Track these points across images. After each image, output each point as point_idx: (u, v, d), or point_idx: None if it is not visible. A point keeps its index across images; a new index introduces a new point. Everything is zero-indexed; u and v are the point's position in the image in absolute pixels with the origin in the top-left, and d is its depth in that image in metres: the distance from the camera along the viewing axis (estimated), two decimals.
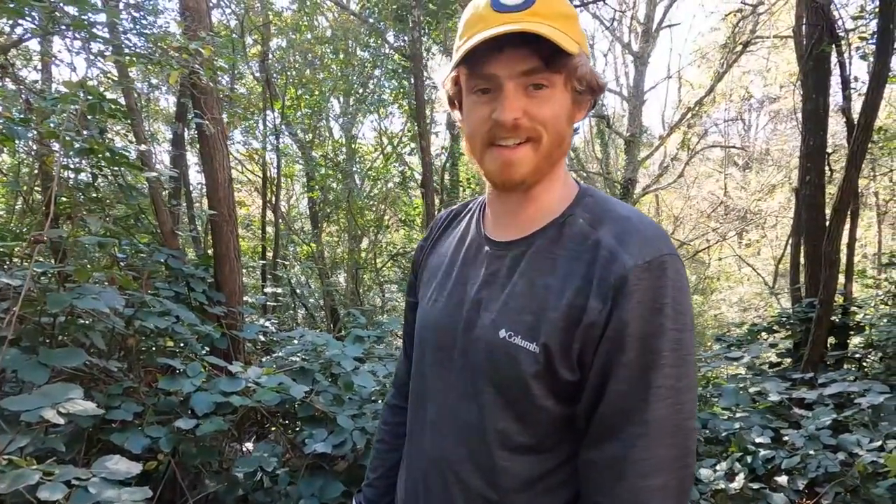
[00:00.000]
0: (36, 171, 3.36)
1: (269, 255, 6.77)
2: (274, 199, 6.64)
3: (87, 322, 1.59)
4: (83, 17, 2.19)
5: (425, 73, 5.12)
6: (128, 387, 1.62)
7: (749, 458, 2.22)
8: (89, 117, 2.12)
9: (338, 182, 7.85)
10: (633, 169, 12.40)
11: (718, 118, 14.86)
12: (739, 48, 10.84)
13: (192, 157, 6.06)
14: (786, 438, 2.33)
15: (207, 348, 2.62)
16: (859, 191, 3.96)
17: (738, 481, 2.11)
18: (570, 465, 0.64)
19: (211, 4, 2.73)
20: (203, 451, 1.73)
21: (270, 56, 7.47)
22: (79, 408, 1.03)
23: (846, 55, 3.64)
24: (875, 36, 2.75)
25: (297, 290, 7.92)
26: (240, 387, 1.63)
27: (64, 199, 2.51)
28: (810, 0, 3.67)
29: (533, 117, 0.61)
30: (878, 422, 2.26)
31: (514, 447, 0.63)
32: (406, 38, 6.91)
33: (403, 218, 8.41)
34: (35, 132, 2.14)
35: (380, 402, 2.02)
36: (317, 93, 7.99)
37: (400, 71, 7.71)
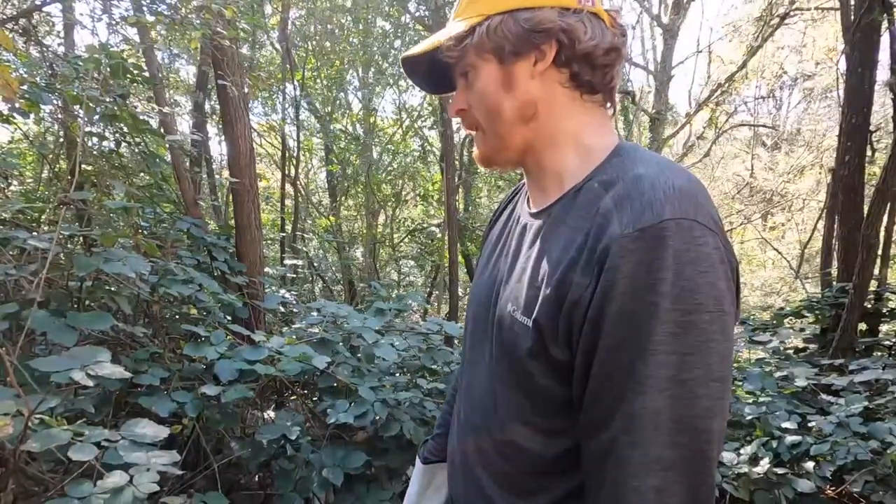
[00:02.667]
0: (61, 139, 3.38)
1: (288, 227, 6.80)
2: (294, 171, 6.63)
3: (112, 288, 1.59)
4: None
5: None
6: (153, 352, 1.64)
7: (774, 443, 2.17)
8: (112, 82, 2.10)
9: (356, 156, 7.80)
10: (658, 147, 12.09)
11: (748, 96, 14.32)
12: (776, 21, 10.34)
13: (212, 130, 6.06)
14: (812, 425, 2.27)
15: (229, 318, 2.65)
16: None
17: (763, 466, 2.07)
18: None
19: None
20: (227, 417, 1.75)
21: (290, 26, 7.35)
22: (107, 371, 1.03)
23: None
24: None
25: (315, 264, 7.98)
26: (262, 356, 1.63)
27: (88, 166, 2.52)
28: None
29: (472, 106, 0.65)
30: None
31: (525, 424, 0.62)
32: (427, 7, 6.71)
33: (422, 193, 8.35)
34: (59, 98, 2.13)
35: (398, 374, 2.02)
36: (337, 63, 7.88)
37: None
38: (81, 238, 1.77)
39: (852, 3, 3.94)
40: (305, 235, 7.54)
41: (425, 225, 8.38)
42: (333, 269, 8.54)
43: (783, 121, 16.00)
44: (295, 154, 7.13)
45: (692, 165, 13.41)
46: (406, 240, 8.56)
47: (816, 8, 8.67)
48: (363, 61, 8.08)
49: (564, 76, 0.61)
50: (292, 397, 2.60)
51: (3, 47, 2.21)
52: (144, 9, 2.16)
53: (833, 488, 2.13)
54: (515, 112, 0.61)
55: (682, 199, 0.51)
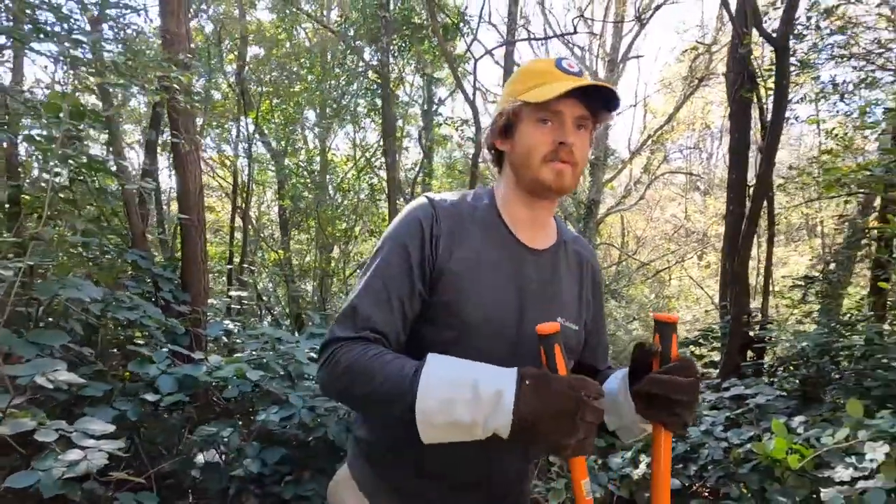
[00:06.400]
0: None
1: (237, 260, 6.89)
2: (244, 204, 6.78)
3: (64, 311, 1.78)
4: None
5: (398, 92, 5.41)
6: (98, 370, 1.82)
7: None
8: (69, 126, 2.32)
9: (309, 191, 8.04)
10: (597, 190, 12.98)
11: (683, 145, 15.74)
12: (696, 82, 11.64)
13: (162, 161, 6.18)
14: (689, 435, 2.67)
15: (171, 346, 2.81)
16: (775, 218, 4.44)
17: (641, 468, 2.43)
18: None
19: (189, 29, 2.97)
20: (167, 431, 1.93)
21: (247, 67, 7.66)
22: (64, 377, 1.25)
23: (764, 100, 4.12)
24: (774, 88, 3.19)
25: (264, 297, 8.02)
26: (201, 371, 1.85)
27: (26, 196, 2.68)
28: (733, 49, 4.15)
29: (578, 148, 0.84)
30: (762, 418, 2.64)
31: None
32: (381, 56, 7.23)
33: (373, 228, 8.65)
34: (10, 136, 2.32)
35: None
36: (292, 103, 8.20)
37: (374, 88, 8.02)
38: (29, 267, 1.96)
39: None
40: (255, 268, 7.61)
41: None
42: (283, 303, 8.58)
43: (713, 168, 17.53)
44: (247, 188, 7.30)
45: (630, 207, 14.44)
46: (356, 273, 8.77)
47: (724, 73, 9.81)
48: (318, 101, 8.46)
49: None
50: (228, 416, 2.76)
51: None
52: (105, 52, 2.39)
53: (698, 484, 2.51)
54: None
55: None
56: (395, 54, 6.95)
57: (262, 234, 8.68)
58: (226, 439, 1.81)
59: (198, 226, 2.86)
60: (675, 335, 0.77)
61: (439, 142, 9.70)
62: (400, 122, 8.73)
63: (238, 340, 3.70)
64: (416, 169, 9.08)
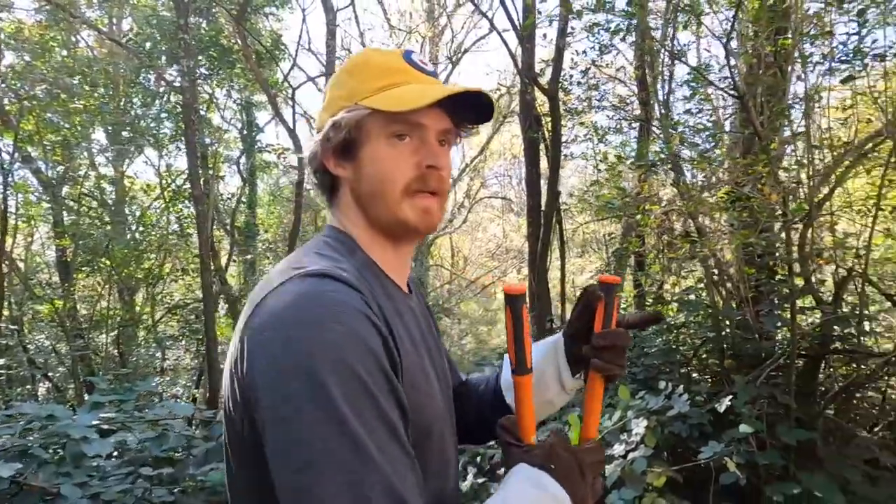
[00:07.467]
0: None
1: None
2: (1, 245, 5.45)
3: None
4: None
5: (200, 121, 4.98)
6: None
7: (478, 459, 2.75)
8: None
9: (96, 227, 6.81)
10: None
11: (498, 172, 17.69)
12: (501, 119, 13.29)
13: None
14: None
15: None
16: (565, 236, 5.25)
17: (469, 480, 2.60)
18: None
19: None
20: None
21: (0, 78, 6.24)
22: None
23: (548, 139, 4.89)
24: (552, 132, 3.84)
25: (38, 360, 6.45)
26: None
27: None
28: (522, 95, 4.86)
29: (447, 172, 0.63)
30: (562, 413, 3.07)
31: None
32: (185, 80, 6.58)
33: (185, 266, 7.70)
34: None
35: (114, 458, 1.93)
36: (74, 121, 6.88)
37: (179, 111, 7.24)
38: None
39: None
40: (14, 327, 6.09)
41: (188, 300, 7.68)
42: (66, 363, 7.02)
43: (522, 193, 19.98)
44: (3, 224, 5.85)
45: (455, 230, 15.62)
46: (166, 319, 7.68)
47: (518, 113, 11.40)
48: (109, 122, 7.27)
49: None
50: None
51: None
52: None
53: None
54: None
55: None
56: (205, 76, 6.41)
57: (32, 281, 7.01)
58: None
59: None
60: (616, 297, 0.67)
61: (262, 168, 9.17)
62: (216, 148, 8.03)
63: None
64: (237, 197, 8.43)
